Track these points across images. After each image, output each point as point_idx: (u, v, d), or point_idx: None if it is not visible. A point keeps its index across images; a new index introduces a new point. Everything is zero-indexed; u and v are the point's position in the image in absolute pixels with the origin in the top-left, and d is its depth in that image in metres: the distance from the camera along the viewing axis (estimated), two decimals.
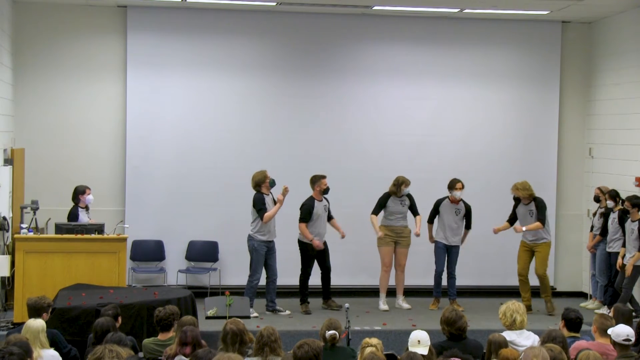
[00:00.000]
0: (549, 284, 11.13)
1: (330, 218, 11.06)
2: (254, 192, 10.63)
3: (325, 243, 11.00)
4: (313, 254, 10.89)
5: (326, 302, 11.11)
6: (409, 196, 11.12)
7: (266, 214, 10.46)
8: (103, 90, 11.90)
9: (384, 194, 11.09)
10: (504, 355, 5.87)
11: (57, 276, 9.60)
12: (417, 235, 11.05)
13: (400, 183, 10.98)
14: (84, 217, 10.44)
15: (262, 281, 10.77)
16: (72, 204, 10.62)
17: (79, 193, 10.56)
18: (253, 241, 10.60)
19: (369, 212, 11.14)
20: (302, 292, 10.99)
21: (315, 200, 10.85)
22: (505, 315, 7.00)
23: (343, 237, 11.05)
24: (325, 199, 11.00)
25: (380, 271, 11.22)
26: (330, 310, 10.77)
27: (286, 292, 11.18)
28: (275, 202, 10.63)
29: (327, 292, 11.15)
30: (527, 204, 10.95)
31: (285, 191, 10.46)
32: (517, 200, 11.08)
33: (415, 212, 11.16)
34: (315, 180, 10.87)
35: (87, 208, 10.64)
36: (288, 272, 11.07)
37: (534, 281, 11.15)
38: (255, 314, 10.42)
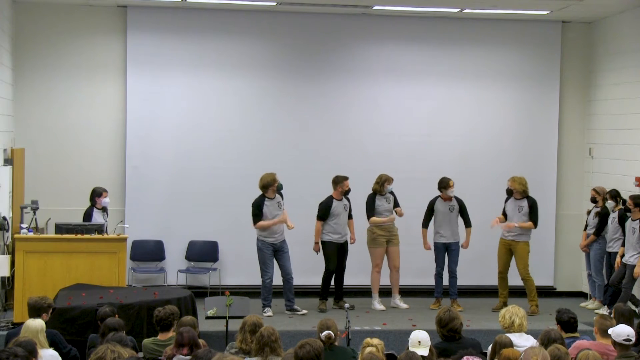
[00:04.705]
0: (533, 286, 11.11)
1: (349, 217, 11.12)
2: (260, 192, 10.63)
3: (346, 243, 11.06)
4: (334, 251, 10.92)
5: (337, 302, 11.13)
6: (392, 193, 11.15)
7: (259, 223, 10.48)
8: (103, 90, 11.90)
9: (369, 195, 11.11)
10: (505, 355, 5.88)
11: (57, 276, 9.59)
12: (401, 215, 11.06)
13: (383, 181, 11.03)
14: (98, 218, 10.45)
15: (280, 281, 10.75)
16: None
17: (95, 195, 10.59)
18: (258, 241, 10.64)
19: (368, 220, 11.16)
20: (324, 289, 11.02)
21: (334, 200, 10.91)
22: (504, 318, 7.03)
23: (353, 242, 11.13)
24: (346, 198, 11.03)
25: (372, 272, 11.22)
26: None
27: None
28: (279, 206, 10.62)
29: (340, 292, 11.17)
30: (518, 199, 11.04)
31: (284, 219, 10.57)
32: (508, 195, 11.16)
33: (396, 206, 11.19)
34: (338, 181, 10.94)
35: (104, 210, 10.66)
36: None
37: (513, 281, 11.24)
38: (270, 314, 10.46)
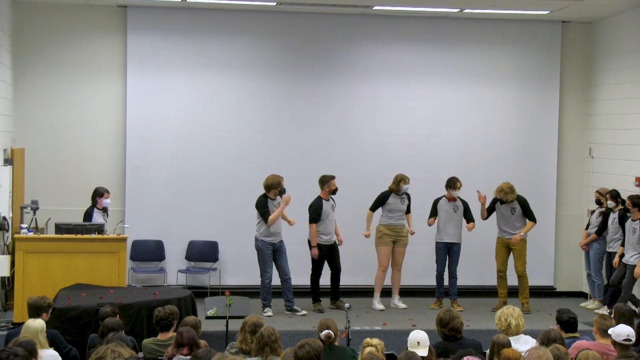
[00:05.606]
0: (527, 284, 11.23)
1: None
2: (262, 192, 10.63)
3: (335, 243, 11.05)
4: (323, 254, 10.92)
5: (334, 302, 11.12)
6: (407, 195, 11.16)
7: (270, 217, 10.48)
8: (103, 90, 11.90)
9: (384, 191, 11.14)
10: (505, 355, 5.87)
11: (57, 276, 9.59)
12: (412, 233, 11.15)
13: (399, 180, 11.06)
14: (98, 219, 10.43)
15: (278, 281, 10.77)
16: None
17: (97, 195, 10.58)
18: (258, 241, 10.64)
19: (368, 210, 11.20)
20: (314, 291, 11.02)
21: (323, 200, 10.91)
22: (500, 320, 6.99)
23: (340, 243, 11.11)
24: (332, 198, 11.03)
25: (377, 271, 11.24)
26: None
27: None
28: (277, 207, 10.63)
29: (336, 292, 11.16)
30: (509, 202, 11.09)
31: (287, 198, 10.56)
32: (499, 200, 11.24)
33: (408, 211, 11.23)
34: (325, 180, 10.94)
35: (105, 210, 10.64)
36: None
37: (513, 281, 11.32)
38: (270, 314, 10.46)
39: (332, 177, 10.98)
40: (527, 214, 11.11)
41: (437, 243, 11.29)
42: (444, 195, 11.26)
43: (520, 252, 11.14)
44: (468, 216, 11.30)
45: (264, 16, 12.08)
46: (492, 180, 11.58)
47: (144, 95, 11.88)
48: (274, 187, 10.58)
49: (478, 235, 11.47)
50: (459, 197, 11.25)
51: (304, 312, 10.73)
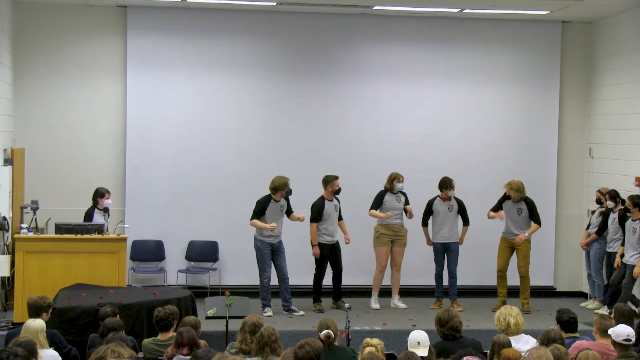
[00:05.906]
0: (529, 285, 11.24)
1: (339, 219, 11.11)
2: (268, 192, 10.64)
3: (337, 243, 11.05)
4: (326, 254, 10.93)
5: (336, 302, 11.13)
6: (404, 194, 11.17)
7: (255, 220, 10.51)
8: (103, 90, 11.90)
9: (380, 191, 11.17)
10: (505, 355, 5.86)
11: (57, 276, 9.59)
12: (409, 212, 11.11)
13: (392, 178, 11.09)
14: (99, 219, 10.43)
15: (277, 281, 10.78)
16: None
17: (98, 195, 10.58)
18: (256, 241, 10.65)
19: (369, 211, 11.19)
20: (316, 291, 11.03)
21: (326, 200, 10.92)
22: (499, 320, 6.99)
23: (348, 242, 11.13)
24: (336, 198, 11.04)
25: (375, 271, 11.26)
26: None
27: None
28: (281, 210, 10.67)
29: (338, 292, 11.17)
30: (516, 201, 11.08)
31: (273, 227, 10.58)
32: (506, 197, 11.20)
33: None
34: (329, 180, 10.95)
35: (106, 211, 10.64)
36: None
37: (513, 281, 11.32)
38: (269, 314, 10.47)
39: (336, 178, 10.98)
40: (533, 216, 11.11)
41: (434, 243, 11.30)
42: (438, 196, 11.26)
43: (525, 253, 11.14)
44: (464, 217, 11.30)
45: (264, 16, 12.09)
46: (492, 180, 11.58)
47: (144, 95, 11.89)
48: (280, 189, 10.59)
49: (478, 235, 11.47)
50: (454, 197, 11.25)
51: (301, 312, 10.73)
